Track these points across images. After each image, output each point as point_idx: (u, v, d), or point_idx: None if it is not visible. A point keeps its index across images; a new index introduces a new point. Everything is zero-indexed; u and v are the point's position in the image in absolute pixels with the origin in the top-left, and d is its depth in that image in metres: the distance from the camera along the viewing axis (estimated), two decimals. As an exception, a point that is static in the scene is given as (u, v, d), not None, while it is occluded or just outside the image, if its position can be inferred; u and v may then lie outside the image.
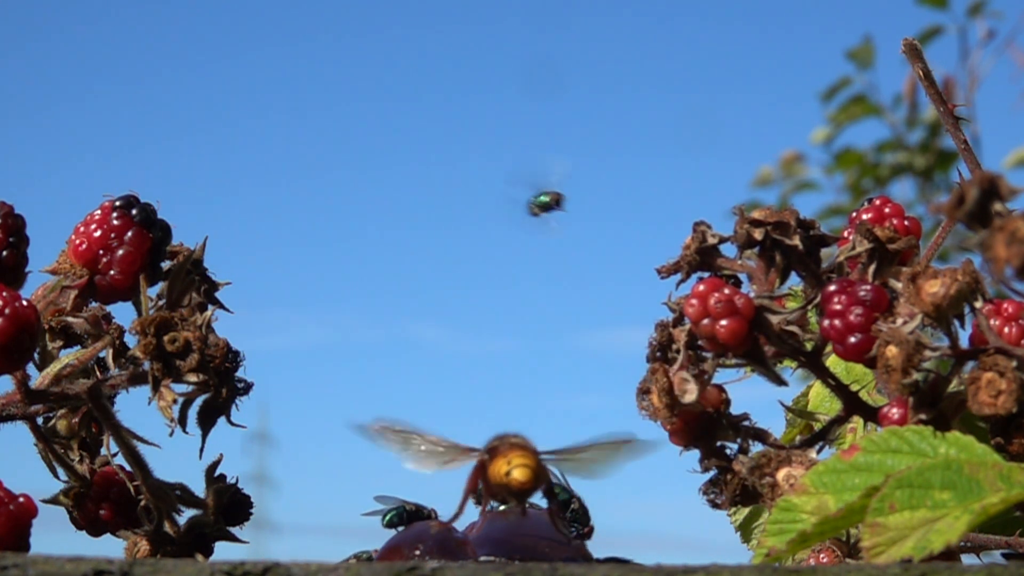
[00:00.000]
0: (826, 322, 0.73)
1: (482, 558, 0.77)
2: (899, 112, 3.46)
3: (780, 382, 0.76)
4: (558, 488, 0.85)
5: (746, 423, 0.77)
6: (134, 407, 0.80)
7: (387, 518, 0.89)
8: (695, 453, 0.77)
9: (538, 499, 0.87)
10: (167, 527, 0.81)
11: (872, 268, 0.76)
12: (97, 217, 0.82)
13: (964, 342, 0.72)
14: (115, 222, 0.81)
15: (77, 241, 0.81)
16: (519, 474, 0.77)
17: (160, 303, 0.81)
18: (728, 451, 0.77)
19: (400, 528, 0.87)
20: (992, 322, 0.72)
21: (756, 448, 0.76)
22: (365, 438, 0.80)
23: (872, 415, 0.75)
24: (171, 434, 0.79)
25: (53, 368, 0.79)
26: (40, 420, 0.83)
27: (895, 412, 0.73)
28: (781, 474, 0.73)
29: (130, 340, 0.79)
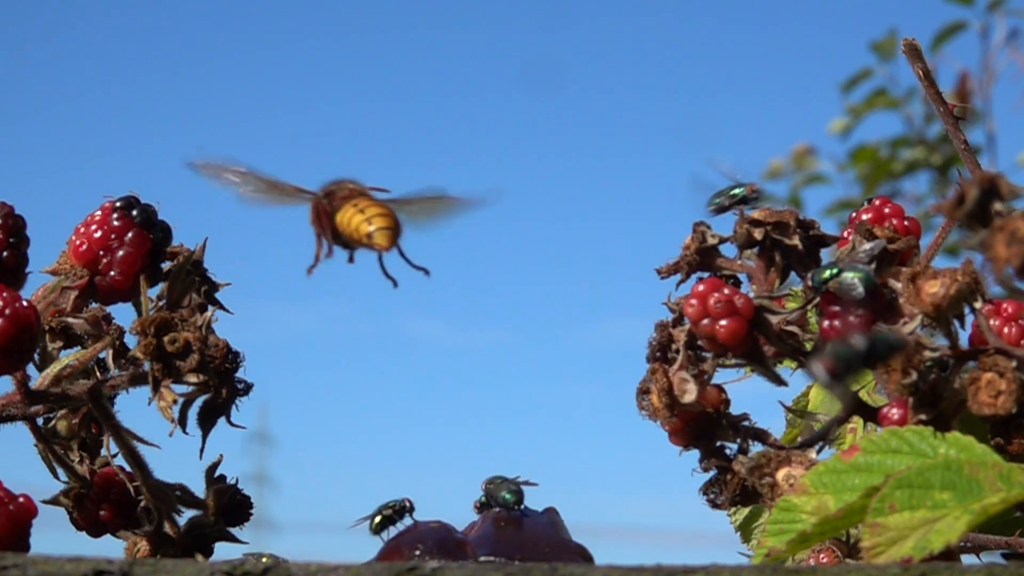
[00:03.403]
0: (826, 322, 0.73)
1: (482, 558, 0.77)
2: (918, 105, 3.41)
3: (780, 382, 0.76)
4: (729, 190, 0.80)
5: (746, 423, 0.77)
6: (134, 407, 0.81)
7: (374, 525, 0.88)
8: (695, 453, 0.77)
9: None
10: (167, 528, 0.81)
11: (872, 268, 0.76)
12: (97, 218, 0.82)
13: (964, 342, 0.72)
14: (115, 223, 0.81)
15: (77, 242, 0.81)
16: (381, 239, 0.79)
17: (160, 304, 0.81)
18: (728, 451, 0.77)
19: (390, 529, 0.87)
20: (992, 322, 0.72)
21: (756, 448, 0.76)
22: (201, 175, 0.83)
23: (872, 415, 0.75)
24: (171, 434, 0.79)
25: (53, 369, 0.79)
26: (40, 421, 0.83)
27: (895, 412, 0.73)
28: (781, 474, 0.73)
29: (130, 341, 0.79)
